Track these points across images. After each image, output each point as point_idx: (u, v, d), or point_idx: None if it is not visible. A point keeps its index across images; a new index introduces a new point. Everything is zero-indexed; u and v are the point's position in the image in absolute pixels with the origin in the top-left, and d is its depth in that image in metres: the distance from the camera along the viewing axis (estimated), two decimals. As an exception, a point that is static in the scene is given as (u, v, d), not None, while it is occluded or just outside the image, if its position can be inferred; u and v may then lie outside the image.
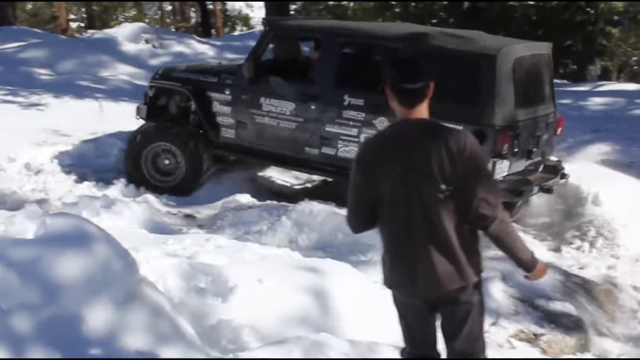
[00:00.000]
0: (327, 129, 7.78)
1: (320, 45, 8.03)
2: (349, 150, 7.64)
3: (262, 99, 8.02)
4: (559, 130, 7.98)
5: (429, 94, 3.32)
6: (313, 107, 7.82)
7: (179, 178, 8.34)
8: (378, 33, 7.96)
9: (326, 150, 7.83)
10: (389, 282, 3.41)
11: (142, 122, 8.64)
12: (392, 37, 7.72)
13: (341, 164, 7.60)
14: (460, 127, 3.53)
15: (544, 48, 7.95)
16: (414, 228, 3.23)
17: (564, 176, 7.71)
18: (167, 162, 8.42)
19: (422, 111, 3.32)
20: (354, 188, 3.33)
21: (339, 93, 7.70)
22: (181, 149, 8.32)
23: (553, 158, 7.93)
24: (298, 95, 7.89)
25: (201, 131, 8.33)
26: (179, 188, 8.32)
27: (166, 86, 8.61)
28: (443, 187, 3.19)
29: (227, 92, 8.19)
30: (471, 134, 3.42)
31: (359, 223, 3.41)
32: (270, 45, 8.44)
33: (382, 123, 7.39)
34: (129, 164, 8.50)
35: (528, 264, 3.39)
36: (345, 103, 7.65)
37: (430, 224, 3.22)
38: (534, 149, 7.35)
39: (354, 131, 7.65)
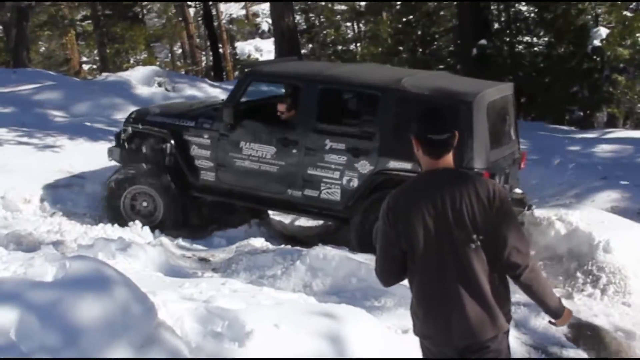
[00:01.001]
0: (309, 172, 7.95)
1: (291, 95, 8.29)
2: (332, 192, 7.88)
3: (242, 143, 8.19)
4: (522, 164, 8.38)
5: (454, 144, 3.36)
6: (294, 151, 7.99)
7: (157, 220, 8.42)
8: (355, 80, 8.12)
9: (309, 192, 7.98)
10: (421, 333, 3.39)
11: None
12: (369, 84, 7.94)
13: (324, 205, 7.94)
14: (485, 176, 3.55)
15: (509, 89, 8.43)
16: (447, 278, 3.24)
17: (530, 207, 8.03)
18: (145, 204, 8.50)
19: (449, 161, 3.35)
20: (383, 240, 3.33)
21: (320, 138, 7.88)
22: (159, 192, 8.41)
23: (518, 191, 8.15)
24: (279, 140, 8.05)
25: (178, 174, 8.43)
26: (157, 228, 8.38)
27: (140, 130, 8.72)
28: (474, 236, 3.21)
29: (206, 137, 8.36)
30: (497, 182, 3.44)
31: (389, 275, 3.39)
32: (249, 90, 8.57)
33: (364, 166, 7.72)
34: (108, 208, 8.58)
35: (556, 311, 3.42)
36: (327, 147, 7.86)
37: (462, 273, 3.23)
38: (505, 185, 7.67)
39: (337, 174, 7.85)
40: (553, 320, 3.46)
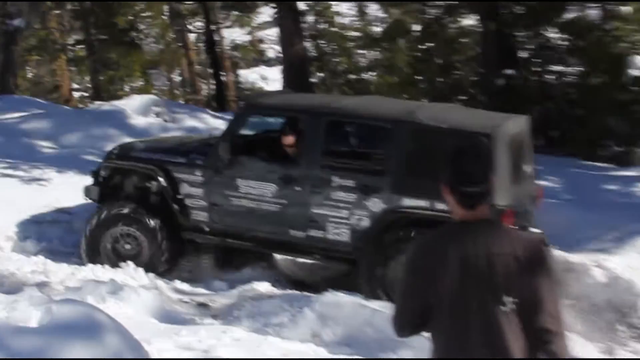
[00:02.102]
0: (314, 211, 7.94)
1: (293, 127, 8.27)
2: (339, 233, 7.87)
3: (239, 181, 8.20)
4: (539, 201, 8.45)
5: (491, 193, 3.27)
6: (298, 188, 7.99)
7: (141, 264, 8.33)
8: (365, 111, 8.17)
9: (314, 232, 7.98)
10: None
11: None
12: (380, 115, 7.99)
13: (331, 247, 7.93)
14: (531, 233, 3.45)
15: (525, 122, 8.48)
16: (471, 341, 3.14)
17: (547, 245, 7.84)
18: (128, 247, 8.46)
19: (485, 211, 3.26)
20: (405, 290, 3.27)
21: (326, 174, 7.90)
22: (145, 234, 8.38)
23: (536, 230, 8.02)
24: (280, 177, 8.07)
25: (166, 214, 8.42)
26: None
27: (125, 166, 8.73)
28: (506, 299, 3.13)
29: (198, 174, 8.36)
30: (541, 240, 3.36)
31: (405, 325, 3.29)
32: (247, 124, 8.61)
33: (375, 204, 7.71)
34: (88, 252, 8.50)
35: None
36: (334, 184, 7.86)
37: (490, 338, 3.13)
38: (525, 224, 7.67)
39: (345, 213, 7.84)
40: None
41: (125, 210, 8.44)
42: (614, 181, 13.04)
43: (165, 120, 15.60)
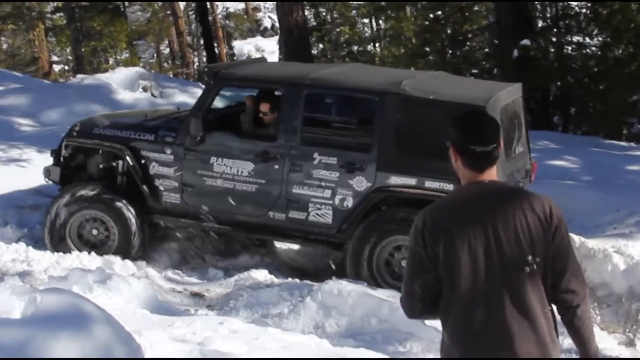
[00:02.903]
0: (294, 191, 7.97)
1: (268, 96, 8.27)
2: (322, 214, 7.89)
3: (213, 159, 8.19)
4: (533, 176, 8.43)
5: (499, 155, 3.36)
6: (277, 167, 8.01)
7: (111, 250, 8.33)
8: (348, 82, 8.16)
9: (294, 214, 8.00)
10: None
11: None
12: (365, 87, 8.00)
13: (313, 229, 7.96)
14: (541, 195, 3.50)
15: (519, 91, 8.49)
16: (495, 310, 3.20)
17: None
18: (95, 232, 8.45)
19: (493, 174, 3.35)
20: (414, 264, 3.30)
21: (306, 151, 7.93)
22: (113, 217, 8.33)
23: None
24: (257, 154, 8.08)
25: (135, 195, 8.40)
26: None
27: (88, 145, 8.67)
28: (530, 258, 3.21)
29: (169, 152, 8.34)
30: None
31: (416, 304, 3.32)
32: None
33: (360, 183, 7.74)
34: (49, 237, 8.44)
35: (596, 355, 3.43)
36: (316, 162, 7.89)
37: (515, 304, 3.20)
38: None
39: (328, 193, 7.88)
40: None
41: (91, 193, 8.38)
42: (636, 161, 13.07)
43: (154, 95, 15.64)
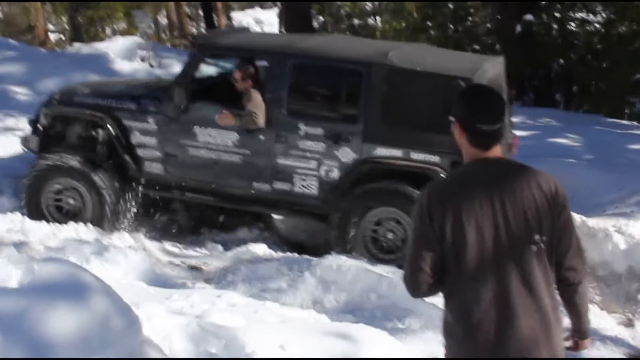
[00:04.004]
0: (280, 162, 8.02)
1: (249, 63, 8.26)
2: (307, 185, 7.98)
3: (197, 129, 8.21)
4: (514, 150, 8.52)
5: (504, 133, 3.35)
6: (262, 137, 8.04)
7: (87, 220, 8.32)
8: (334, 53, 8.19)
9: (279, 185, 8.06)
10: (458, 357, 3.36)
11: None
12: (352, 58, 8.03)
13: (298, 200, 8.04)
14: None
15: (502, 64, 8.55)
16: (502, 288, 3.20)
17: None
18: (72, 202, 8.44)
19: (498, 151, 3.34)
20: (419, 241, 3.28)
21: (292, 122, 7.98)
22: (88, 187, 8.32)
23: None
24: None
25: (115, 165, 8.40)
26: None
27: (68, 114, 8.64)
28: (537, 236, 3.21)
29: (151, 121, 8.34)
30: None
31: (422, 282, 3.29)
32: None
33: (346, 154, 7.84)
34: (27, 206, 8.45)
35: (588, 331, 3.52)
36: (301, 133, 7.94)
37: (522, 281, 3.21)
38: None
39: (313, 164, 7.95)
40: (572, 346, 3.49)
41: (67, 162, 8.34)
42: (638, 141, 13.08)
43: (152, 66, 15.57)
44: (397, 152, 7.75)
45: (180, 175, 8.33)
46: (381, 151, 7.80)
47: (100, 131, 8.50)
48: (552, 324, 3.25)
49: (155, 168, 8.39)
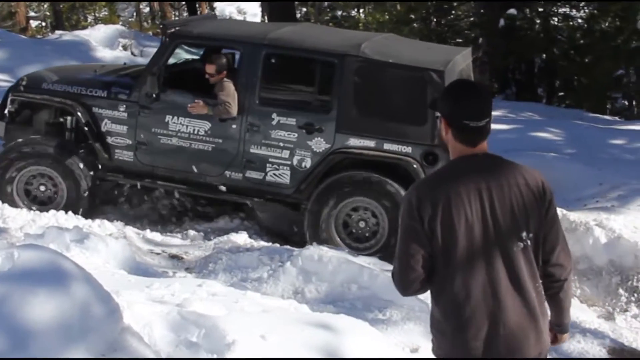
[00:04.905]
0: (252, 151, 8.07)
1: (220, 55, 8.28)
2: (280, 174, 8.03)
3: (168, 117, 8.22)
4: None
5: (490, 129, 3.34)
6: (234, 126, 8.08)
7: (59, 207, 8.29)
8: (308, 44, 8.22)
9: (251, 174, 8.11)
10: (447, 354, 3.35)
11: None
12: (325, 49, 8.08)
13: (270, 189, 8.10)
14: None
15: (469, 55, 8.75)
16: (492, 284, 3.21)
17: None
18: (43, 188, 8.41)
19: (485, 147, 3.34)
20: (409, 239, 3.26)
21: (265, 111, 8.04)
22: (62, 174, 8.29)
23: None
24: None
25: (85, 152, 8.38)
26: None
27: (37, 100, 8.58)
28: (524, 234, 3.23)
29: (122, 109, 8.34)
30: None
31: (414, 281, 3.29)
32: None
33: (318, 144, 7.90)
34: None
35: (567, 326, 3.54)
36: (274, 122, 8.00)
37: (510, 279, 3.21)
38: None
39: (286, 153, 8.01)
40: (550, 338, 3.51)
41: (38, 148, 8.30)
42: (620, 135, 13.16)
43: (134, 54, 15.53)
44: (370, 143, 7.83)
45: (152, 164, 8.34)
46: (354, 141, 7.88)
47: (68, 118, 8.47)
48: (539, 318, 3.27)
49: (126, 156, 8.37)
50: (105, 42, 15.45)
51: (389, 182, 7.73)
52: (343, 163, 7.95)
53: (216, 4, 35.71)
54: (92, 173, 8.36)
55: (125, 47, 15.62)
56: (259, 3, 30.42)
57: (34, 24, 30.62)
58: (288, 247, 7.40)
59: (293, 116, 7.99)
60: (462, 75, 8.07)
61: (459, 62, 8.15)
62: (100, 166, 8.41)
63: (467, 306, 3.23)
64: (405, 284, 3.33)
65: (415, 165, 7.67)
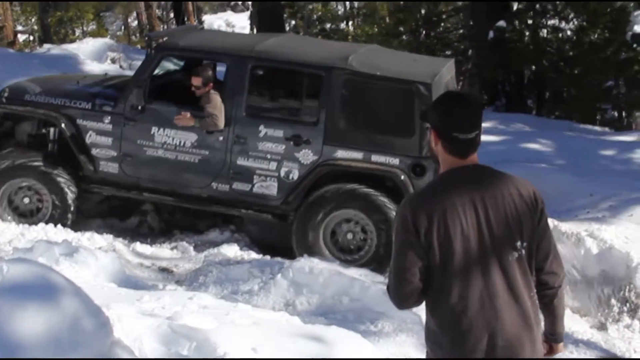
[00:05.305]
0: (239, 163, 8.09)
1: (207, 67, 8.31)
2: (267, 186, 8.04)
3: (154, 129, 8.22)
4: None
5: (480, 141, 3.35)
6: (221, 138, 8.10)
7: (44, 219, 8.29)
8: (295, 56, 8.26)
9: (238, 185, 8.12)
10: None
11: None
12: (312, 62, 8.13)
13: (258, 200, 8.10)
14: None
15: (453, 67, 8.83)
16: (490, 295, 3.21)
17: None
18: (27, 201, 8.38)
19: (475, 158, 3.35)
20: (406, 253, 3.26)
21: (252, 123, 8.05)
22: (48, 186, 8.26)
23: None
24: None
25: (70, 163, 8.35)
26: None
27: (20, 112, 8.54)
28: (518, 243, 3.24)
29: (107, 121, 8.32)
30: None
31: (411, 294, 3.28)
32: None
33: (306, 156, 7.93)
34: None
35: (561, 335, 3.55)
36: (261, 134, 8.02)
37: (506, 288, 3.22)
38: None
39: (273, 165, 8.03)
40: (545, 349, 3.50)
41: (22, 160, 8.26)
42: (610, 146, 13.20)
43: (122, 67, 15.52)
44: (357, 155, 7.87)
45: (137, 175, 8.33)
46: (342, 153, 7.92)
47: (51, 130, 8.43)
48: (534, 327, 3.29)
49: (111, 167, 8.35)
50: (93, 56, 15.45)
51: (375, 194, 7.76)
52: (331, 175, 7.97)
53: (205, 17, 35.79)
54: (76, 185, 8.33)
55: (113, 61, 15.63)
56: (247, 16, 30.45)
57: (21, 37, 30.59)
58: (279, 259, 7.41)
59: (280, 128, 8.02)
60: (447, 87, 8.16)
61: (445, 74, 8.24)
62: (84, 178, 8.40)
63: (465, 317, 3.23)
64: (402, 297, 3.32)
65: (402, 177, 7.70)
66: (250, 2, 20.85)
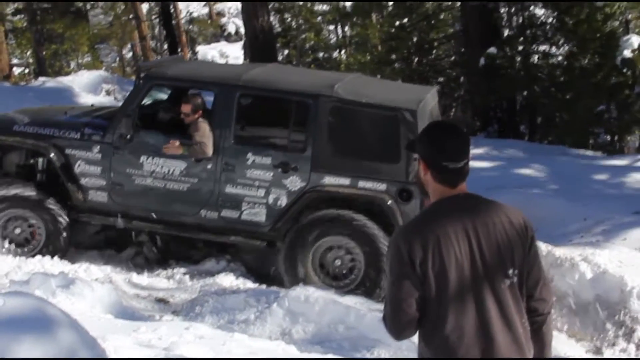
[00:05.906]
0: (227, 190, 8.13)
1: (195, 95, 8.38)
2: (255, 213, 8.09)
3: (143, 158, 8.26)
4: None
5: (469, 170, 3.36)
6: (209, 166, 8.15)
7: (37, 249, 8.29)
8: (282, 85, 8.34)
9: (227, 213, 8.16)
10: None
11: None
12: (298, 90, 8.22)
13: (246, 227, 8.15)
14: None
15: (436, 94, 8.98)
16: (484, 323, 3.22)
17: None
18: (18, 231, 8.38)
19: (464, 187, 3.36)
20: (402, 284, 3.24)
21: (240, 151, 8.12)
22: (40, 216, 8.26)
23: None
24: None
25: (59, 193, 8.35)
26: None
27: (9, 143, 8.55)
28: (511, 271, 3.25)
29: (96, 150, 8.36)
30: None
31: (408, 325, 3.27)
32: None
33: (293, 183, 7.99)
34: None
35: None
36: (249, 162, 8.09)
37: (500, 316, 3.23)
38: None
39: (261, 192, 8.09)
40: None
41: (13, 191, 8.25)
42: (603, 171, 13.23)
43: (117, 99, 15.57)
44: (345, 181, 7.94)
45: (126, 204, 8.35)
46: (329, 180, 7.99)
47: (40, 160, 8.47)
48: (526, 353, 3.30)
49: (100, 196, 8.37)
50: (88, 88, 15.51)
51: (362, 220, 7.79)
52: (318, 201, 8.02)
53: (198, 48, 35.91)
54: (66, 214, 8.33)
55: (108, 92, 15.69)
56: (241, 46, 30.59)
57: (17, 70, 30.68)
58: (275, 288, 7.41)
59: (268, 155, 8.09)
60: (432, 114, 8.26)
61: (430, 101, 8.35)
62: (73, 207, 8.40)
63: (462, 346, 3.23)
64: (399, 328, 3.31)
65: (389, 202, 7.77)
66: (243, 32, 20.99)
